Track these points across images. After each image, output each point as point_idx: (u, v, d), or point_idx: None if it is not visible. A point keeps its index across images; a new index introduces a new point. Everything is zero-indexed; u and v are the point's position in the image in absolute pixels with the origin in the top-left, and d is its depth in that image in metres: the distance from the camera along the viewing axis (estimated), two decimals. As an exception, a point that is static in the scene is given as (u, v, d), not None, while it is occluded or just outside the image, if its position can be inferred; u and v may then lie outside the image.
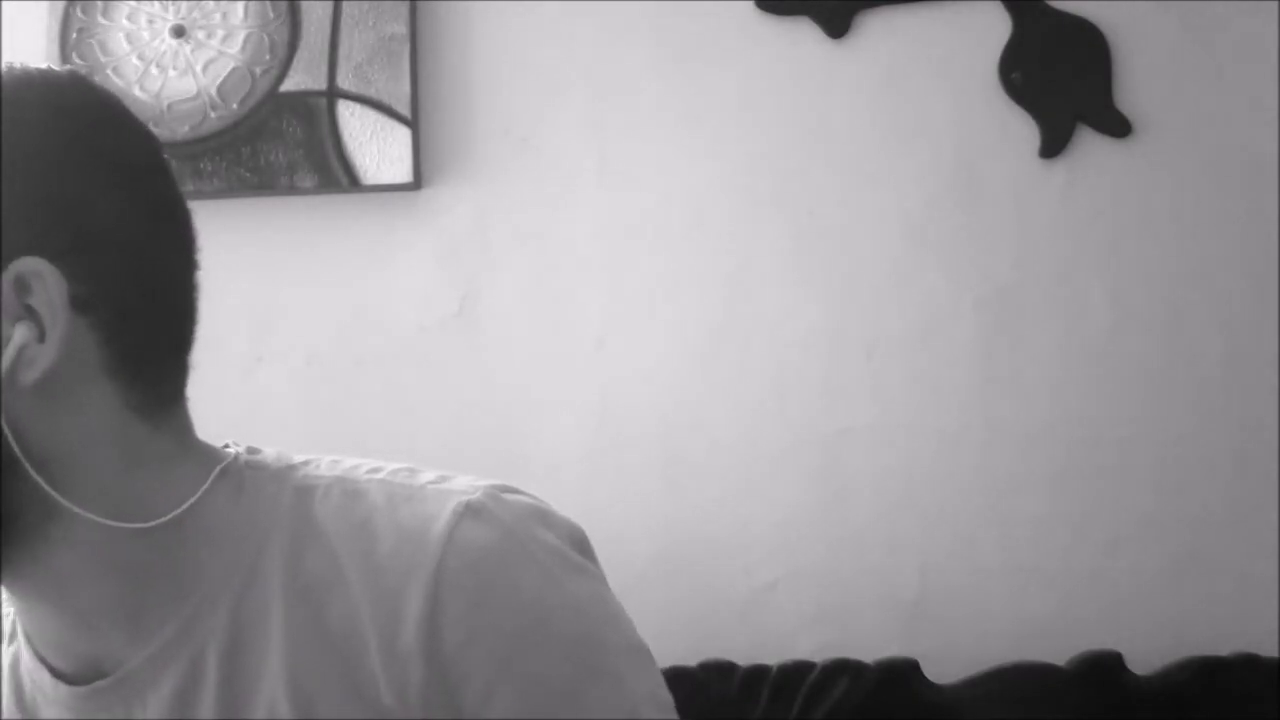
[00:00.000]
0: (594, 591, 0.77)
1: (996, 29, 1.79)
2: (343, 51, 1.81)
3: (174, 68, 1.82)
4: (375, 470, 0.78)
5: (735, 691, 1.72)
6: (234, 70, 1.82)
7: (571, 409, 1.82)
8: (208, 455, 0.78)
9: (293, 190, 1.81)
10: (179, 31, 1.82)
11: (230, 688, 0.74)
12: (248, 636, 0.74)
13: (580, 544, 0.78)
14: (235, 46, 1.82)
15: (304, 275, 1.84)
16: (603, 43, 1.82)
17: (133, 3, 1.83)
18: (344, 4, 1.81)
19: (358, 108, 1.80)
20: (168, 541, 0.74)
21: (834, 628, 1.79)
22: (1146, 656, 1.73)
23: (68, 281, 0.70)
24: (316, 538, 0.75)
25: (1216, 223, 1.78)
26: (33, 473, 0.70)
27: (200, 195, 1.79)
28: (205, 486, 0.75)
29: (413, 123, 1.79)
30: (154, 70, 1.82)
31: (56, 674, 0.77)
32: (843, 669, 1.73)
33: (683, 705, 0.78)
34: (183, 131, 1.80)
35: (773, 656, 1.75)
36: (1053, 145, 1.78)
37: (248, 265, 1.82)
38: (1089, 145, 1.79)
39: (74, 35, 1.82)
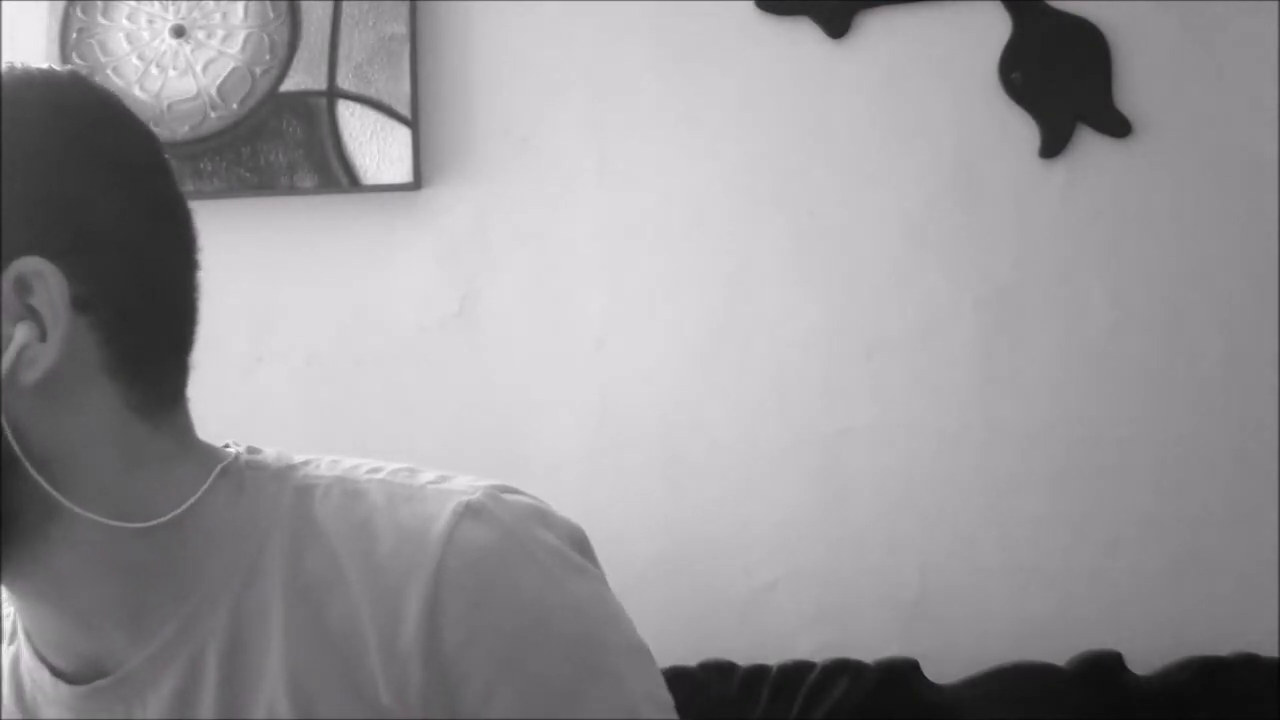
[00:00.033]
0: (594, 592, 0.76)
1: (996, 29, 1.79)
2: (343, 51, 1.81)
3: (174, 68, 1.82)
4: (375, 470, 0.78)
5: (735, 691, 1.72)
6: (234, 70, 1.82)
7: (571, 409, 1.82)
8: (208, 455, 0.78)
9: (293, 190, 1.81)
10: (179, 31, 1.82)
11: (230, 687, 0.74)
12: (248, 636, 0.74)
13: (580, 544, 0.78)
14: (235, 46, 1.82)
15: (304, 275, 1.84)
16: (603, 43, 1.82)
17: (133, 3, 1.83)
18: (344, 4, 1.81)
19: (358, 108, 1.80)
20: (168, 541, 0.74)
21: (834, 628, 1.79)
22: (1146, 656, 1.73)
23: (68, 281, 0.70)
24: (317, 537, 0.75)
25: (1216, 223, 1.78)
26: (33, 472, 0.70)
27: (200, 195, 1.79)
28: (206, 486, 0.75)
29: (413, 123, 1.79)
30: (154, 70, 1.82)
31: (57, 673, 0.77)
32: (843, 669, 1.73)
33: (683, 705, 0.78)
34: (183, 131, 1.80)
35: (773, 656, 1.75)
36: (1053, 145, 1.78)
37: (248, 265, 1.82)
38: (1089, 145, 1.79)
39: (74, 35, 1.82)
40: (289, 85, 1.81)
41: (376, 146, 1.80)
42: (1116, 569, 1.78)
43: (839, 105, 1.80)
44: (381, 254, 1.83)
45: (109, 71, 1.81)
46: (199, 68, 1.82)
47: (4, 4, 1.81)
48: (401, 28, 1.79)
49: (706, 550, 1.81)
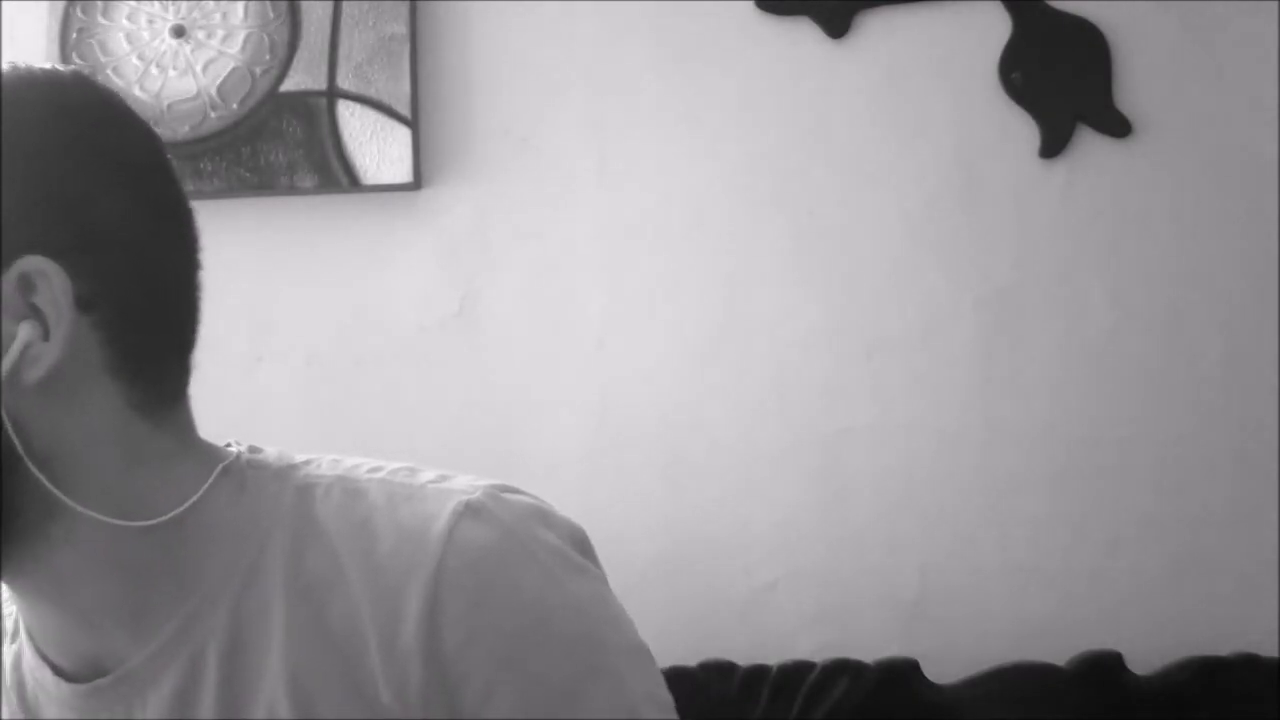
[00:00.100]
0: (594, 591, 0.76)
1: (996, 29, 1.79)
2: (343, 51, 1.81)
3: (174, 68, 1.82)
4: (376, 470, 0.78)
5: (735, 691, 1.72)
6: (234, 70, 1.82)
7: (571, 409, 1.82)
8: (209, 454, 0.78)
9: (293, 190, 1.81)
10: (179, 31, 1.82)
11: (230, 686, 0.74)
12: (248, 635, 0.74)
13: (581, 544, 0.78)
14: (235, 46, 1.82)
15: (304, 275, 1.84)
16: (603, 43, 1.82)
17: (133, 3, 1.83)
18: (344, 4, 1.81)
19: (358, 108, 1.80)
20: (169, 540, 0.74)
21: (834, 628, 1.79)
22: (1146, 656, 1.74)
23: (71, 280, 0.70)
24: (317, 537, 0.75)
25: (1216, 223, 1.78)
26: (35, 470, 0.70)
27: (200, 195, 1.79)
28: (207, 485, 0.75)
29: (413, 123, 1.80)
30: (154, 70, 1.82)
31: (58, 672, 0.77)
32: (843, 669, 1.73)
33: (683, 705, 0.78)
34: (183, 131, 1.80)
35: (773, 656, 1.75)
36: (1053, 145, 1.78)
37: (248, 265, 1.82)
38: (1089, 145, 1.79)
39: (74, 35, 1.82)
40: (289, 85, 1.81)
41: (376, 146, 1.80)
42: (1116, 569, 1.78)
43: (839, 105, 1.80)
44: (381, 254, 1.84)
45: (109, 71, 1.81)
46: (199, 68, 1.82)
47: (4, 4, 1.81)
48: (401, 28, 1.80)
49: (706, 550, 1.81)
